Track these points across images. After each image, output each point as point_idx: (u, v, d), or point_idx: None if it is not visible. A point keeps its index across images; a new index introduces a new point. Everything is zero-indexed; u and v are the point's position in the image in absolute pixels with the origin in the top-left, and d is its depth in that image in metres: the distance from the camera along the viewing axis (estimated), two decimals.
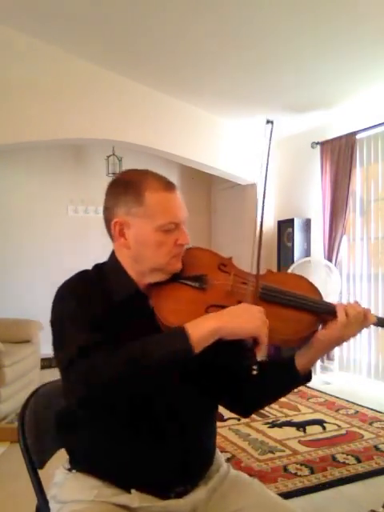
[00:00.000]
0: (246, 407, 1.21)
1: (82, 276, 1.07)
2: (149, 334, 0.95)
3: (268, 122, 1.03)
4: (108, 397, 0.88)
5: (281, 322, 1.01)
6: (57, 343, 0.97)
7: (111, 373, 0.85)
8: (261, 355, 0.93)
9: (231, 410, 1.20)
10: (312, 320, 1.04)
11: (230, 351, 0.97)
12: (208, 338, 0.88)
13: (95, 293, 1.02)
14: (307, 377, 1.10)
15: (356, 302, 1.05)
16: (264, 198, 1.07)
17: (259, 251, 1.04)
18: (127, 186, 1.04)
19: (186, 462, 1.06)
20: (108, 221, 1.08)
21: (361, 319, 1.02)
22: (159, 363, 0.87)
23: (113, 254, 1.11)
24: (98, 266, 1.12)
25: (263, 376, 0.98)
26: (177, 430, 1.04)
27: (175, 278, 1.07)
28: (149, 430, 1.02)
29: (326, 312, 1.04)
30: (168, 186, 1.04)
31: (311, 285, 1.13)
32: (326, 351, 1.08)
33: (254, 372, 0.94)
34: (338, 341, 1.04)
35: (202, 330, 0.88)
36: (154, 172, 1.08)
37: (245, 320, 0.91)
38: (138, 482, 1.03)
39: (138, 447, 1.03)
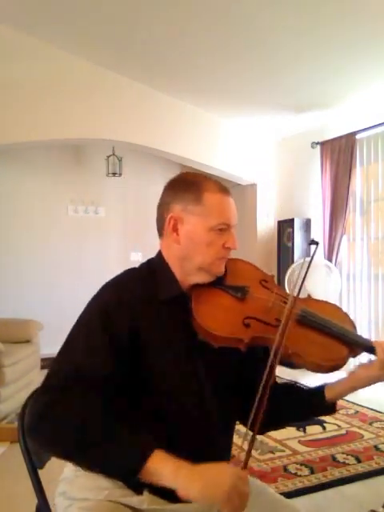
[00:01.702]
0: (264, 425, 1.21)
1: (124, 278, 1.08)
2: (184, 335, 1.01)
3: (313, 242, 1.10)
4: (45, 443, 0.93)
5: (315, 346, 1.03)
6: (63, 348, 0.99)
7: (59, 432, 0.89)
8: None
9: (245, 425, 1.17)
10: (344, 351, 1.05)
11: (257, 367, 0.98)
12: (154, 478, 0.85)
13: (134, 295, 1.03)
14: (333, 407, 1.11)
15: None
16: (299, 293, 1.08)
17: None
18: (188, 185, 1.07)
19: None
20: (162, 216, 1.09)
21: None
22: (96, 458, 0.89)
23: (160, 253, 1.12)
24: (149, 262, 1.14)
25: (291, 401, 1.00)
26: (197, 435, 1.04)
27: (217, 284, 1.08)
28: (169, 434, 1.02)
29: (358, 345, 1.06)
30: (225, 190, 1.09)
31: (348, 317, 1.15)
32: (359, 388, 1.07)
33: None
34: (377, 380, 1.04)
35: (157, 468, 0.84)
36: (211, 177, 1.13)
37: (203, 486, 0.82)
38: (151, 485, 1.03)
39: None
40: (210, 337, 1.00)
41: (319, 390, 1.10)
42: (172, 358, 1.02)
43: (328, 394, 1.08)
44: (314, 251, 1.13)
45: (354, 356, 1.06)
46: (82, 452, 0.89)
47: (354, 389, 1.07)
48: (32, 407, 0.93)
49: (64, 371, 0.94)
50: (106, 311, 1.00)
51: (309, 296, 1.18)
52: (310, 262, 1.12)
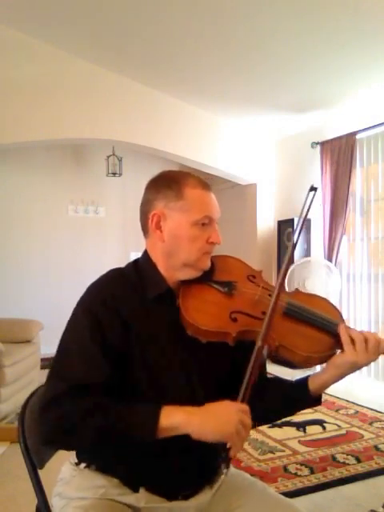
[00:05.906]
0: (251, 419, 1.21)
1: (107, 278, 1.09)
2: (173, 332, 1.03)
3: (312, 189, 1.08)
4: (72, 446, 1.02)
5: (302, 339, 1.03)
6: (55, 363, 1.00)
7: (80, 434, 0.93)
8: (233, 456, 0.93)
9: None
10: (332, 341, 1.05)
11: (245, 358, 0.98)
12: (171, 433, 0.92)
13: (118, 294, 1.04)
14: (318, 399, 1.11)
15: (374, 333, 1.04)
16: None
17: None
18: (169, 181, 1.09)
19: (200, 466, 1.07)
20: (145, 213, 1.10)
21: (373, 347, 1.01)
22: (120, 440, 0.95)
23: (145, 252, 1.13)
24: (135, 261, 1.15)
25: (275, 394, 1.01)
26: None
27: (204, 280, 1.09)
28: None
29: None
30: (205, 185, 1.11)
31: (335, 308, 1.15)
32: (339, 376, 1.06)
33: (224, 471, 1.06)
34: (352, 367, 1.03)
35: (171, 422, 0.91)
36: (192, 174, 1.14)
37: (215, 425, 0.91)
38: (149, 483, 1.04)
39: (152, 449, 1.02)
40: (197, 332, 1.01)
41: (302, 383, 1.09)
42: (161, 355, 1.03)
43: (312, 386, 1.08)
44: (312, 198, 1.07)
45: (341, 347, 1.05)
46: (106, 441, 0.95)
47: (336, 377, 1.06)
48: (45, 423, 0.95)
49: (64, 384, 0.95)
50: (94, 316, 1.00)
51: (297, 290, 1.18)
52: (308, 208, 1.08)
